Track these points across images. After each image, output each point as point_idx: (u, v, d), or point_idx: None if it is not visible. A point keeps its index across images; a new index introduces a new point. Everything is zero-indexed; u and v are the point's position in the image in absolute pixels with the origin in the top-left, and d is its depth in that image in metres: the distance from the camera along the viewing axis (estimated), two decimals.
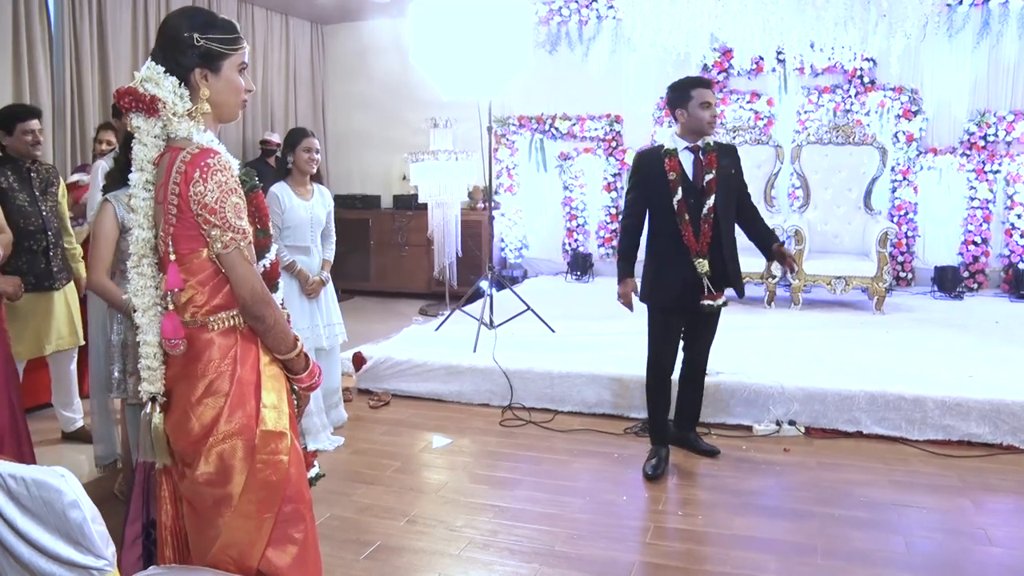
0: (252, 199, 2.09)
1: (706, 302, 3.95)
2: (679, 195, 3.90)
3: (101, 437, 4.10)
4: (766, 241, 4.16)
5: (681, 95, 3.94)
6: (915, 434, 4.46)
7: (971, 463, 4.20)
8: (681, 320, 4.13)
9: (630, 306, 4.10)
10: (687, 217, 3.91)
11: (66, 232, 4.50)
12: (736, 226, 4.14)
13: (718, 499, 3.83)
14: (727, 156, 4.04)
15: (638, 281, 4.12)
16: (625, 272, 4.10)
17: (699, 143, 3.96)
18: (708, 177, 3.93)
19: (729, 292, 4.15)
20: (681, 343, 4.23)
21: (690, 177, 3.95)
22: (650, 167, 4.00)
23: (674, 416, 4.37)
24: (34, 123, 4.22)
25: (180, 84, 1.97)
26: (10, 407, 3.39)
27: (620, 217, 4.14)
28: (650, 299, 4.09)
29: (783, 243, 4.23)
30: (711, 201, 3.93)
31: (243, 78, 2.07)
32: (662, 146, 4.03)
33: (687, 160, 3.96)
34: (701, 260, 3.92)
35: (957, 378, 4.75)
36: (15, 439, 3.38)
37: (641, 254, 4.12)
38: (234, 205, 1.94)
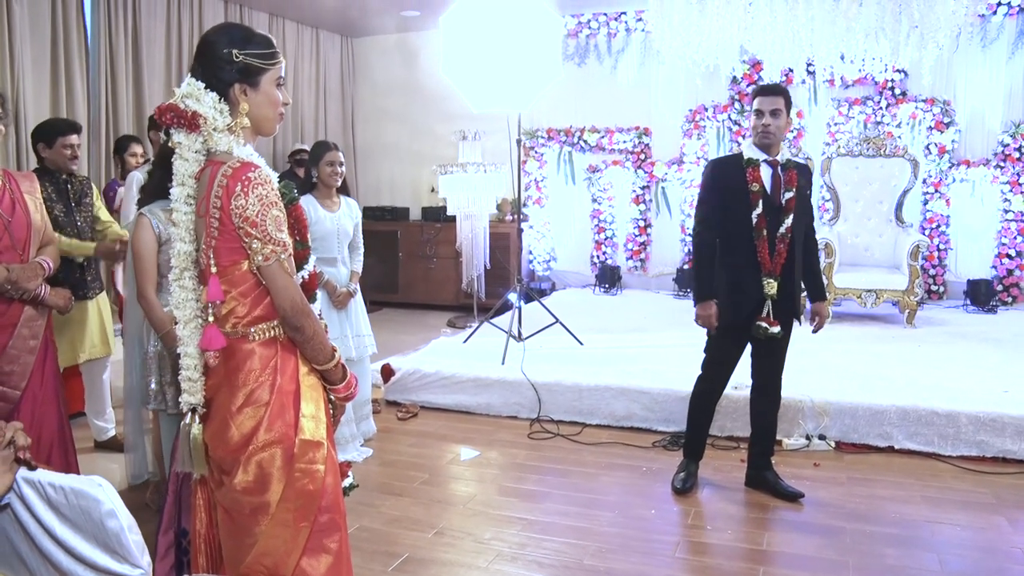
0: (291, 211, 2.12)
1: (761, 324, 3.76)
2: (759, 209, 3.72)
3: (134, 451, 4.13)
4: (814, 288, 3.98)
5: (751, 101, 3.81)
6: (948, 450, 4.40)
7: (1006, 480, 4.14)
8: (742, 342, 3.92)
9: (712, 329, 3.87)
10: (764, 234, 3.72)
11: (102, 227, 4.54)
12: None
13: (748, 514, 3.81)
14: (804, 176, 3.85)
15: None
16: (705, 293, 3.85)
17: (778, 158, 3.78)
18: (788, 195, 3.75)
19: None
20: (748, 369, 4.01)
21: (768, 192, 3.75)
22: (728, 176, 3.81)
23: (748, 452, 4.14)
24: (74, 138, 4.30)
25: (220, 99, 2.01)
26: (59, 417, 3.45)
27: (693, 229, 3.96)
28: (722, 318, 3.85)
29: (823, 303, 4.01)
30: (789, 220, 3.74)
31: (281, 92, 2.10)
32: (740, 155, 3.85)
33: (766, 174, 3.77)
34: (771, 281, 3.74)
35: (991, 393, 4.68)
36: (62, 449, 3.43)
37: None
38: (275, 218, 1.97)
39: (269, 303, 2.02)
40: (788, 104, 3.75)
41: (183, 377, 2.06)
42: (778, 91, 3.75)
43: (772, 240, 3.74)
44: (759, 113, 3.72)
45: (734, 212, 3.77)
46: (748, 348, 3.96)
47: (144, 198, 3.41)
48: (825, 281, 6.79)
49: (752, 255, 3.74)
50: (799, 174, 3.80)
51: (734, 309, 3.81)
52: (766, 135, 3.72)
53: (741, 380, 4.90)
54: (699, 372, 4.05)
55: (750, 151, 3.80)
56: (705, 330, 3.94)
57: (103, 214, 4.59)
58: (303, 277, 2.16)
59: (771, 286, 3.74)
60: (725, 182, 3.81)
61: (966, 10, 5.52)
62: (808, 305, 4.04)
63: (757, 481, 4.05)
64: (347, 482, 2.27)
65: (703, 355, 4.04)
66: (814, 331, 4.01)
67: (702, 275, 3.88)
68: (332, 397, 2.18)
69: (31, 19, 6.08)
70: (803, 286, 3.99)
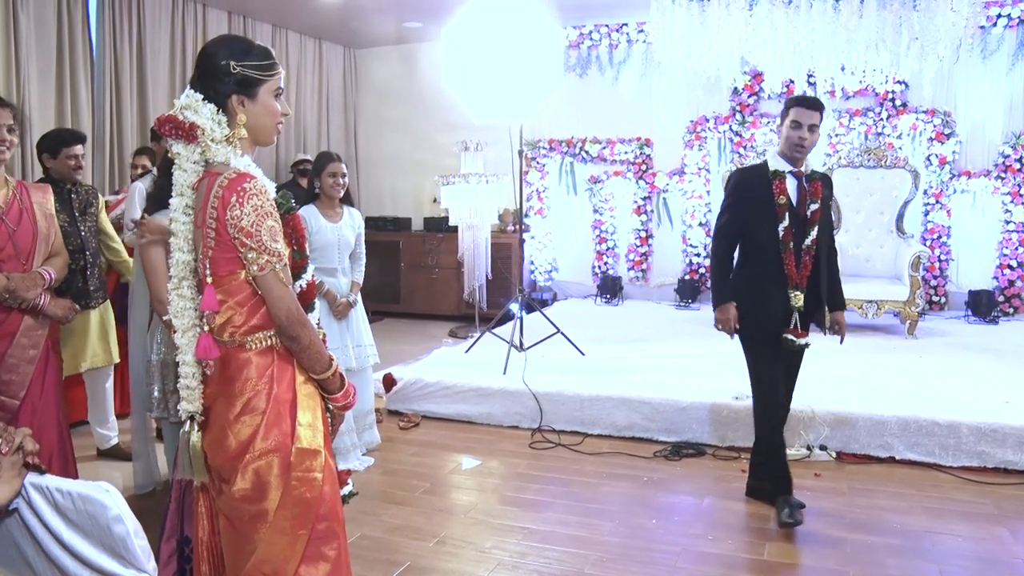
0: (289, 221, 2.13)
1: (789, 337, 3.71)
2: (786, 221, 3.67)
3: (139, 459, 4.15)
4: (833, 297, 3.90)
5: (783, 110, 3.74)
6: (949, 460, 4.40)
7: (1007, 491, 4.14)
8: (779, 355, 3.81)
9: (731, 332, 3.82)
10: (791, 246, 3.68)
11: (111, 244, 4.59)
12: None
13: (748, 524, 3.81)
14: (827, 187, 3.82)
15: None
16: (724, 296, 3.81)
17: (802, 169, 3.75)
18: (813, 207, 3.71)
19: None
20: None
21: (795, 204, 3.72)
22: (753, 187, 3.77)
23: (750, 461, 4.11)
24: (78, 148, 4.34)
25: (218, 111, 2.03)
26: (58, 427, 3.47)
27: (713, 237, 3.95)
28: (749, 332, 3.81)
29: (841, 312, 3.95)
30: (814, 233, 3.70)
31: (279, 103, 2.12)
32: (764, 164, 3.81)
33: (791, 186, 3.73)
34: (797, 293, 3.69)
35: (992, 404, 4.69)
36: (62, 458, 3.45)
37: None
38: (270, 228, 1.98)
39: (266, 312, 2.03)
40: (822, 118, 3.73)
41: (182, 385, 2.07)
42: (818, 105, 3.70)
43: (798, 252, 3.70)
44: (797, 124, 3.65)
45: (759, 224, 3.73)
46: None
47: (151, 207, 3.44)
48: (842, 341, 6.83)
49: (778, 268, 3.70)
50: (823, 185, 3.78)
51: (763, 323, 3.76)
52: (800, 149, 3.67)
53: (741, 391, 4.93)
54: (752, 401, 3.89)
55: (775, 162, 3.76)
56: (745, 353, 3.87)
57: (108, 227, 4.62)
58: (301, 287, 2.17)
59: (798, 298, 3.69)
60: (750, 193, 3.77)
61: (966, 22, 5.56)
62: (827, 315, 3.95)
63: (758, 491, 4.05)
64: (346, 490, 2.28)
65: (750, 381, 3.87)
66: (841, 341, 3.97)
67: (719, 280, 3.86)
68: (330, 406, 2.19)
69: (37, 29, 6.12)
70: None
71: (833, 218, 3.91)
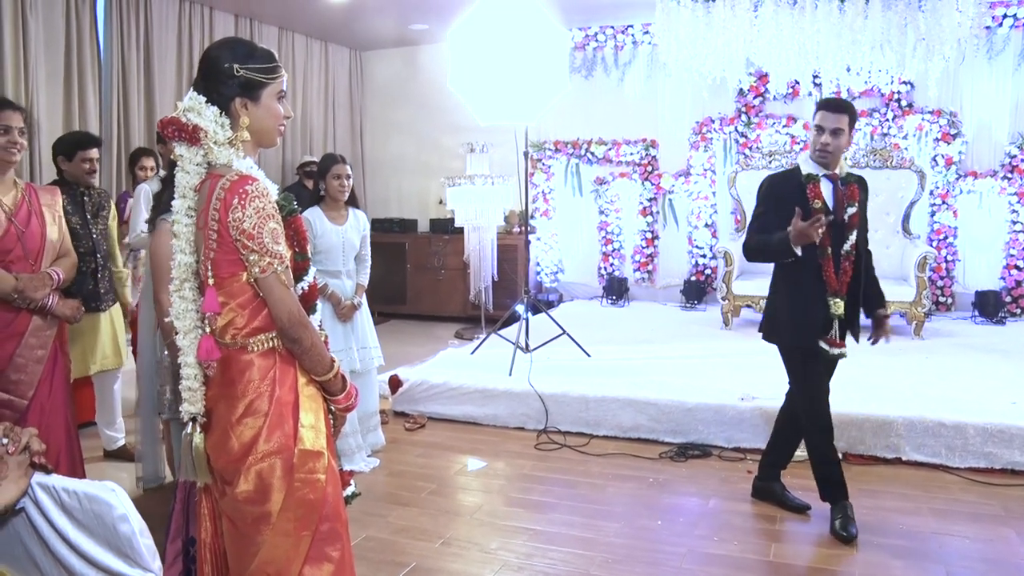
0: (291, 223, 2.14)
1: (826, 346, 3.62)
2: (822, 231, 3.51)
3: (146, 457, 4.17)
4: (872, 299, 3.78)
5: (814, 113, 3.63)
6: (956, 461, 4.39)
7: (1015, 492, 4.12)
8: (819, 361, 3.70)
9: (814, 234, 3.44)
10: (829, 252, 3.57)
11: (114, 257, 4.63)
12: None
13: (755, 525, 3.80)
14: (863, 190, 3.71)
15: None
16: (779, 240, 3.53)
17: (836, 172, 3.63)
18: (851, 211, 3.60)
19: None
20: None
21: (831, 208, 3.60)
22: (786, 192, 3.63)
23: (760, 461, 4.08)
24: (94, 152, 4.37)
25: (221, 113, 2.04)
26: (67, 427, 3.48)
27: (745, 239, 3.79)
28: (790, 340, 3.72)
29: (888, 314, 3.83)
30: (853, 237, 3.60)
31: (282, 106, 2.13)
32: (796, 169, 3.69)
33: (827, 190, 3.61)
34: (837, 300, 3.58)
35: (1000, 404, 4.67)
36: (69, 458, 3.47)
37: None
38: (271, 230, 1.99)
39: (267, 314, 2.04)
40: (852, 121, 3.59)
41: (184, 387, 2.08)
42: (843, 108, 3.58)
43: (837, 258, 3.59)
44: (819, 129, 3.57)
45: None
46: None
47: (159, 207, 3.46)
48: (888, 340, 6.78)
49: (814, 274, 3.59)
50: (860, 188, 3.68)
51: (804, 332, 3.64)
52: (823, 154, 3.58)
53: (748, 392, 4.93)
54: (806, 408, 3.73)
55: (807, 166, 3.65)
56: (786, 363, 3.78)
57: (115, 234, 4.64)
58: (302, 288, 2.17)
59: (838, 305, 3.58)
60: (783, 198, 3.62)
61: (972, 22, 5.54)
62: (864, 316, 3.81)
63: (764, 492, 4.04)
64: (349, 491, 2.29)
65: (798, 390, 3.77)
66: (884, 342, 3.82)
67: (766, 240, 3.62)
68: (332, 408, 2.20)
69: (45, 33, 6.16)
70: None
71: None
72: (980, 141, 7.76)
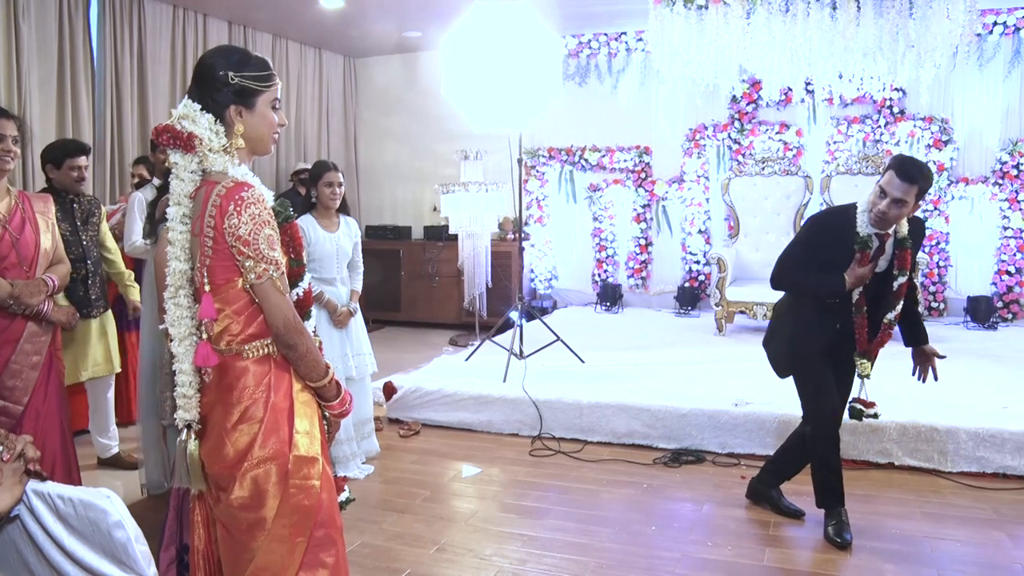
0: (286, 230, 2.14)
1: (857, 406, 3.64)
2: (860, 288, 3.49)
3: (149, 463, 4.16)
4: (915, 335, 3.72)
5: (888, 169, 3.36)
6: (948, 466, 4.42)
7: (1006, 496, 4.14)
8: (828, 369, 3.64)
9: (866, 273, 3.44)
10: (865, 310, 3.50)
11: (109, 256, 4.61)
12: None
13: (748, 530, 3.81)
14: (914, 237, 3.50)
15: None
16: (832, 280, 3.50)
17: (889, 232, 3.45)
18: (901, 280, 3.47)
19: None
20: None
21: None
22: (832, 239, 3.49)
23: (764, 466, 4.04)
24: (82, 159, 4.37)
25: (216, 121, 2.05)
26: (61, 433, 3.49)
27: (779, 270, 3.72)
28: (790, 359, 3.72)
29: (933, 351, 3.73)
30: (899, 307, 3.51)
31: (276, 113, 2.14)
32: (850, 210, 3.49)
33: (873, 247, 3.46)
34: (864, 362, 3.56)
35: (991, 409, 4.70)
36: (65, 466, 3.47)
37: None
38: (267, 237, 2.00)
39: (263, 321, 2.04)
40: (922, 194, 3.34)
41: (179, 394, 2.08)
42: (913, 179, 3.29)
43: (874, 323, 3.53)
44: (883, 193, 3.34)
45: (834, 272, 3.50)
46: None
47: (163, 215, 3.46)
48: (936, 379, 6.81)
49: (837, 323, 3.56)
50: (913, 248, 3.49)
51: (807, 345, 3.63)
52: (879, 222, 3.39)
53: (741, 397, 4.94)
54: (813, 413, 3.69)
55: (863, 221, 3.44)
56: (796, 382, 3.74)
57: (109, 240, 4.64)
58: (298, 295, 2.19)
59: (865, 367, 3.55)
60: (827, 246, 3.51)
61: (962, 29, 5.57)
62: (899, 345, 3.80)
63: (759, 495, 4.05)
64: (343, 497, 2.30)
65: (806, 402, 3.72)
66: (936, 379, 3.77)
67: (817, 281, 3.58)
68: (327, 414, 2.21)
69: (38, 40, 6.15)
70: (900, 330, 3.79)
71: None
72: (971, 147, 7.80)
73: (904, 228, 3.49)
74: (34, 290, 3.35)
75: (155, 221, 3.45)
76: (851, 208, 3.52)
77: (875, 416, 3.68)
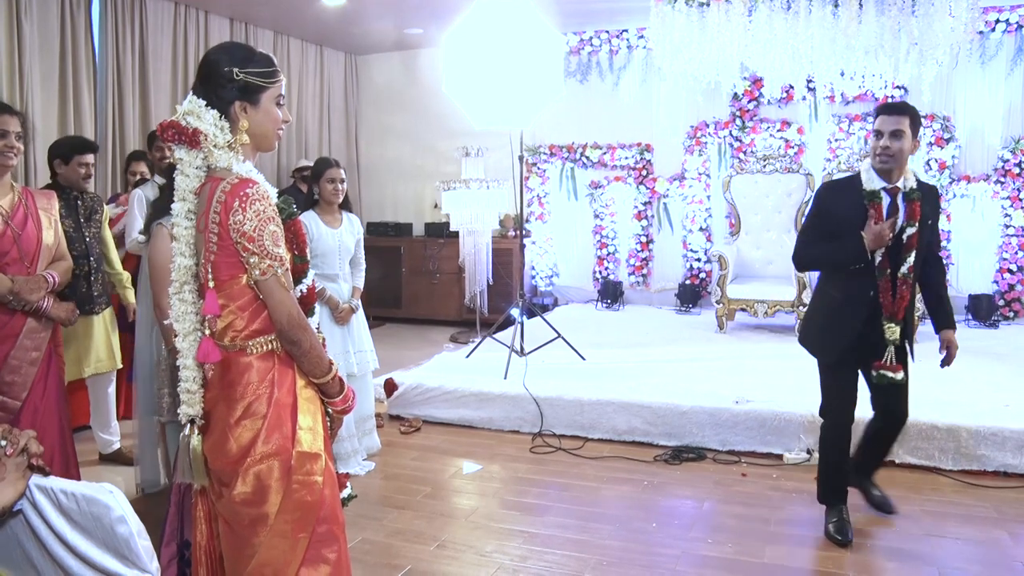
0: (290, 226, 2.15)
1: (883, 371, 3.50)
2: (883, 248, 3.41)
3: (144, 461, 4.17)
4: (941, 318, 3.62)
5: (872, 121, 3.49)
6: (948, 464, 4.41)
7: (1007, 494, 4.15)
8: (854, 371, 3.61)
9: (887, 236, 3.39)
10: (888, 273, 3.43)
11: (110, 261, 4.63)
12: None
13: (748, 527, 3.82)
14: (928, 204, 3.47)
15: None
16: (849, 245, 3.44)
17: (900, 183, 3.44)
18: (909, 231, 3.41)
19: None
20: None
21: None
22: (840, 204, 3.51)
23: (855, 454, 3.85)
24: (90, 157, 4.39)
25: (220, 117, 2.05)
26: (60, 429, 3.49)
27: (794, 255, 3.70)
28: (815, 353, 3.67)
29: (952, 331, 3.61)
30: (911, 259, 3.42)
31: (280, 110, 2.15)
32: (856, 177, 3.52)
33: (886, 205, 3.43)
34: (892, 326, 3.44)
35: (993, 407, 4.70)
36: (63, 460, 3.47)
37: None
38: (271, 233, 2.00)
39: (267, 317, 2.05)
40: (915, 124, 3.42)
41: (182, 389, 2.09)
42: (901, 110, 3.42)
43: (894, 281, 3.44)
44: (878, 134, 3.42)
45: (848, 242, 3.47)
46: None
47: (158, 210, 3.47)
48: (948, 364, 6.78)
49: (864, 293, 3.47)
50: (924, 202, 3.45)
51: (833, 341, 3.57)
52: (885, 158, 3.40)
53: (742, 395, 4.95)
54: (825, 409, 3.69)
55: (868, 176, 3.47)
56: (816, 361, 3.69)
57: (108, 238, 4.64)
58: (301, 291, 2.19)
59: (893, 331, 3.45)
60: (837, 211, 3.51)
61: (965, 27, 5.57)
62: (935, 334, 3.66)
63: (856, 481, 3.88)
64: (345, 493, 2.31)
65: (822, 395, 3.70)
66: (943, 364, 3.64)
67: (830, 251, 3.55)
68: (330, 410, 2.21)
69: (40, 36, 6.15)
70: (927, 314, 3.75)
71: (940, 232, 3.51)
72: (973, 145, 7.79)
73: (912, 181, 3.47)
74: (34, 286, 3.36)
75: (149, 218, 3.46)
76: (855, 174, 3.56)
77: (901, 380, 3.52)
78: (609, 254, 9.01)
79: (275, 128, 2.14)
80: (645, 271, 8.90)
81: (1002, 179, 7.62)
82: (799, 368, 5.77)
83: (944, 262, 3.60)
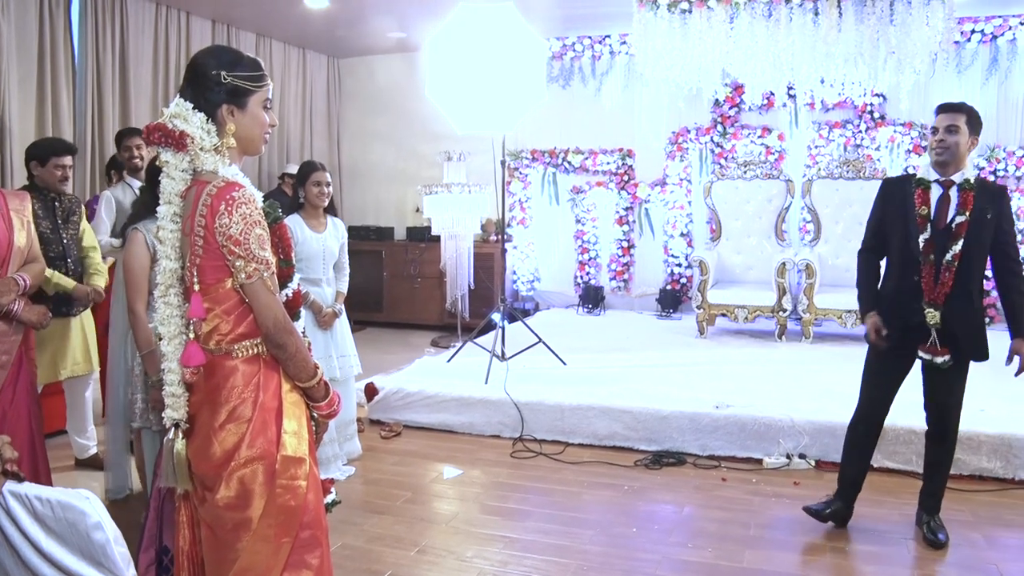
0: (276, 230, 2.15)
1: (925, 355, 3.60)
2: (927, 233, 3.53)
3: (114, 467, 4.14)
4: (1012, 325, 3.62)
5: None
6: None
7: (983, 497, 4.19)
8: (900, 370, 3.72)
9: (880, 342, 3.66)
10: (931, 259, 3.52)
11: (91, 250, 4.56)
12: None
13: (728, 532, 3.83)
14: (988, 199, 3.53)
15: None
16: (864, 306, 3.75)
17: (954, 178, 3.56)
18: (959, 219, 3.50)
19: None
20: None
21: (934, 216, 3.56)
22: (894, 197, 3.69)
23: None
24: (67, 159, 4.33)
25: (207, 120, 2.05)
26: (30, 435, 3.44)
27: (862, 243, 3.91)
28: (868, 338, 3.75)
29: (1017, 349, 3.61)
30: (957, 247, 3.49)
31: (267, 114, 2.15)
32: (911, 175, 3.71)
33: (935, 195, 3.57)
34: (932, 311, 3.52)
35: (968, 412, 4.69)
36: (32, 466, 3.42)
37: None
38: (258, 236, 2.00)
39: (252, 320, 2.05)
40: (972, 122, 3.55)
41: (167, 393, 2.08)
42: (958, 108, 3.57)
43: (938, 267, 3.52)
44: (934, 130, 3.58)
45: (896, 235, 3.65)
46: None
47: (137, 214, 3.44)
48: (806, 302, 6.89)
49: (913, 281, 3.57)
50: (980, 196, 3.52)
51: (889, 328, 3.65)
52: (940, 151, 3.53)
53: (722, 400, 4.97)
54: (859, 401, 3.85)
55: (925, 171, 3.64)
56: (867, 350, 3.82)
57: (88, 238, 4.60)
58: (287, 295, 2.19)
59: (932, 316, 3.52)
60: (892, 203, 3.69)
61: (941, 36, 5.64)
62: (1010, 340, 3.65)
63: (918, 519, 3.87)
64: (329, 498, 2.29)
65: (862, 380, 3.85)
66: (1016, 374, 3.65)
67: (860, 291, 3.81)
68: (315, 414, 2.21)
69: (18, 36, 6.09)
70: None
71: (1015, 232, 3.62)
72: None
73: (969, 175, 3.57)
74: (4, 289, 3.32)
75: (126, 222, 3.44)
76: (911, 173, 3.75)
77: (943, 364, 3.59)
78: (590, 259, 9.03)
79: (262, 132, 2.14)
80: (626, 276, 8.93)
81: None
82: (779, 373, 5.82)
83: (1022, 265, 3.62)
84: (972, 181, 3.55)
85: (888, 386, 3.75)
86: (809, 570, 3.44)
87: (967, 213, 3.50)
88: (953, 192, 3.56)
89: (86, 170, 6.64)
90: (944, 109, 3.59)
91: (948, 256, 3.51)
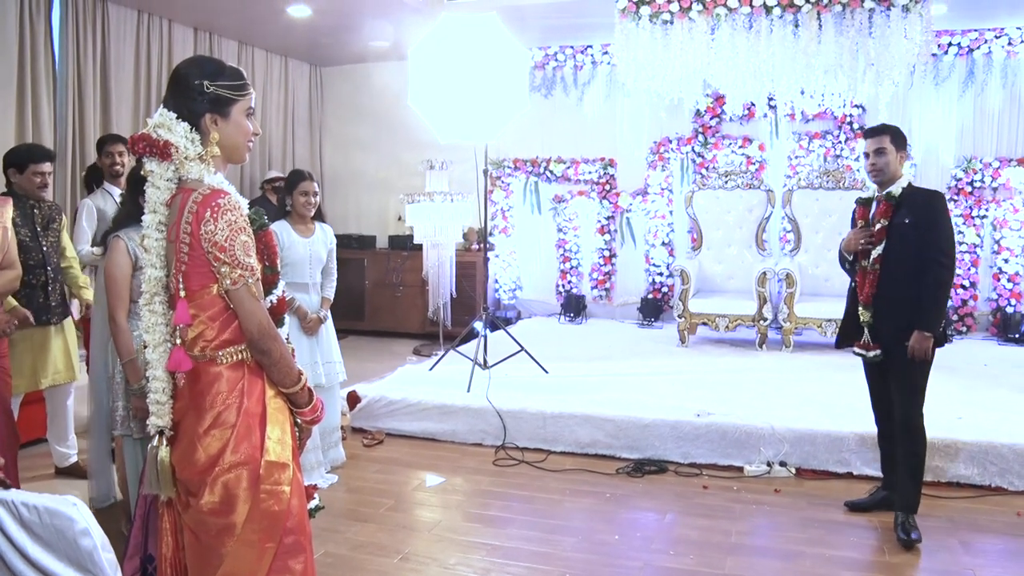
0: (261, 237, 2.16)
1: (859, 350, 4.00)
2: (862, 242, 3.95)
3: (98, 476, 4.11)
4: (913, 318, 3.82)
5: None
6: None
7: (960, 504, 4.24)
8: (874, 375, 4.09)
9: (858, 237, 3.98)
10: (863, 264, 3.94)
11: (74, 260, 4.55)
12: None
13: (710, 539, 3.86)
14: (913, 206, 3.81)
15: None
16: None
17: (892, 189, 3.87)
18: (877, 227, 3.89)
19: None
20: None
21: (868, 225, 3.96)
22: (855, 214, 4.08)
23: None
24: (46, 166, 4.31)
25: (191, 129, 2.07)
26: (2, 443, 3.40)
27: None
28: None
29: (919, 332, 3.80)
30: (876, 252, 3.87)
31: (250, 122, 2.17)
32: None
33: (874, 208, 3.96)
34: (864, 310, 3.93)
35: (945, 420, 4.79)
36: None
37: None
38: (243, 243, 2.01)
39: (237, 327, 2.06)
40: (897, 139, 3.88)
41: (151, 400, 2.09)
42: (881, 131, 3.91)
43: (864, 271, 3.94)
44: (866, 155, 3.92)
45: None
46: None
47: (119, 222, 3.43)
48: (787, 311, 6.94)
49: (852, 282, 4.06)
50: (899, 204, 3.83)
51: (843, 339, 4.15)
52: (874, 173, 3.90)
53: (703, 408, 5.00)
54: None
55: (870, 189, 4.04)
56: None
57: (68, 247, 4.58)
58: (271, 302, 2.20)
59: (864, 314, 3.93)
60: (853, 221, 4.09)
61: (919, 49, 5.71)
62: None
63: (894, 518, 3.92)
64: (313, 504, 2.30)
65: None
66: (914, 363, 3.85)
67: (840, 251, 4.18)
68: (298, 420, 2.21)
69: None
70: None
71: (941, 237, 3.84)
72: (928, 164, 7.97)
73: (898, 188, 3.86)
74: None
75: (108, 231, 3.43)
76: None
77: (874, 358, 3.95)
78: (572, 268, 9.06)
79: (245, 140, 2.16)
80: (608, 285, 8.96)
81: (955, 197, 7.80)
82: (760, 381, 5.87)
83: (939, 267, 3.81)
84: (898, 192, 3.85)
85: (876, 394, 4.12)
86: None
87: (883, 221, 3.86)
88: (873, 204, 3.96)
89: (67, 177, 6.60)
90: (870, 134, 3.95)
91: (865, 262, 3.93)
